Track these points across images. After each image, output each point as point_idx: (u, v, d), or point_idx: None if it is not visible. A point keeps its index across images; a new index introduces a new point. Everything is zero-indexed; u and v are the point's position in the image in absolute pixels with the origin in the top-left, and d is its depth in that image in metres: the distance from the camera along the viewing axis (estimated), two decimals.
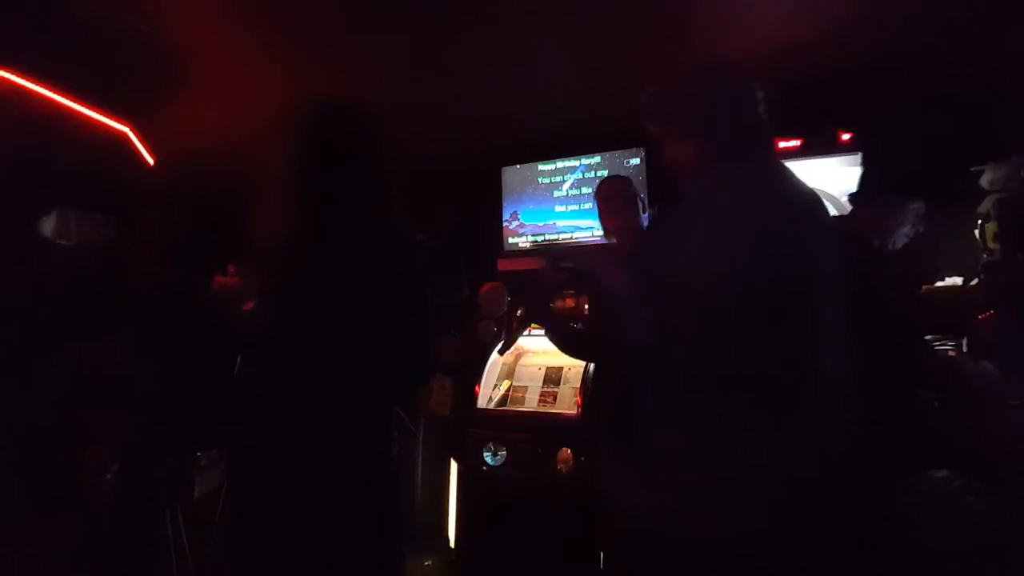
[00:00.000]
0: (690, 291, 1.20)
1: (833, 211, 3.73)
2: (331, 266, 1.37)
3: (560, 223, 4.71)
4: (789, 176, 1.31)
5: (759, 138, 1.34)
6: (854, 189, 2.33)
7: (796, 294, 1.18)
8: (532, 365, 2.85)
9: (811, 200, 1.32)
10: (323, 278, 1.37)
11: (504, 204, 4.86)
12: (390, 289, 1.37)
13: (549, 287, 2.09)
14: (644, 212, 2.15)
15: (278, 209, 1.49)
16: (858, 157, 3.65)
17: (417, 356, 1.44)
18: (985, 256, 2.64)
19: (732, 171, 1.26)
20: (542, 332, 2.42)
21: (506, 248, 4.83)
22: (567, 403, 2.64)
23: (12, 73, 3.21)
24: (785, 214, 1.24)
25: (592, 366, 2.53)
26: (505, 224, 4.85)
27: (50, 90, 3.39)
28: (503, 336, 2.44)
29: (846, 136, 3.78)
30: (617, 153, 4.55)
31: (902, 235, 2.07)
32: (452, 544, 2.88)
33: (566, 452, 2.46)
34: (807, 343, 1.18)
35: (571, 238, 4.65)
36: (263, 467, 1.36)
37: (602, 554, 2.28)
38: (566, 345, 2.21)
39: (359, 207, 1.41)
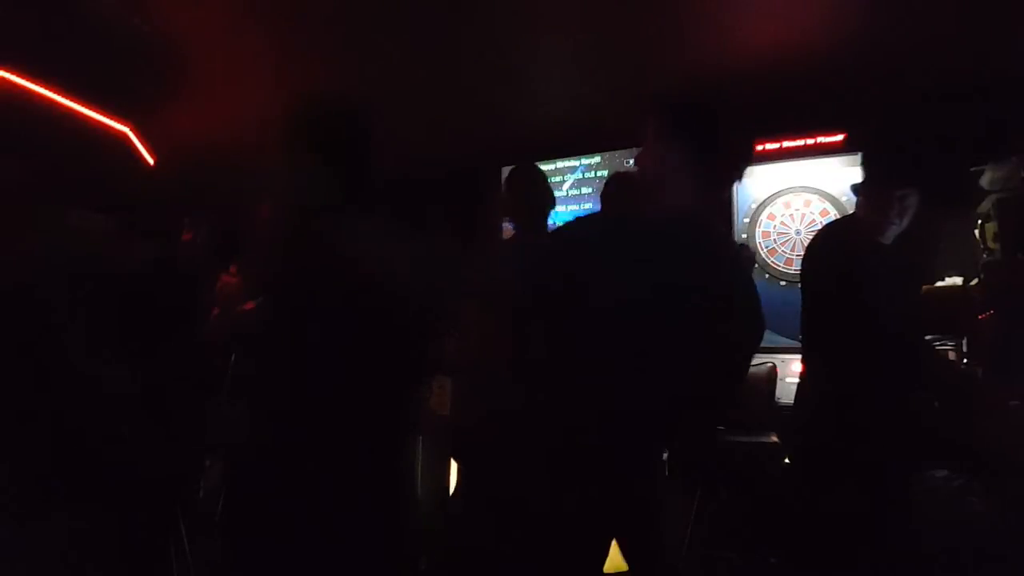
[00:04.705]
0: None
1: (833, 212, 3.75)
2: (333, 266, 1.37)
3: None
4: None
5: None
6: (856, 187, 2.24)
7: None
8: None
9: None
10: (324, 277, 1.37)
11: None
12: (391, 289, 1.37)
13: None
14: None
15: (279, 209, 1.49)
16: (858, 157, 3.65)
17: (418, 355, 1.44)
18: (985, 256, 2.63)
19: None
20: None
21: None
22: None
23: (12, 73, 3.21)
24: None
25: None
26: (505, 224, 4.85)
27: (50, 90, 3.39)
28: None
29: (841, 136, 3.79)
30: (617, 153, 4.55)
31: (894, 227, 2.03)
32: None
33: None
34: None
35: None
36: (262, 467, 1.36)
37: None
38: None
39: (356, 205, 1.42)
